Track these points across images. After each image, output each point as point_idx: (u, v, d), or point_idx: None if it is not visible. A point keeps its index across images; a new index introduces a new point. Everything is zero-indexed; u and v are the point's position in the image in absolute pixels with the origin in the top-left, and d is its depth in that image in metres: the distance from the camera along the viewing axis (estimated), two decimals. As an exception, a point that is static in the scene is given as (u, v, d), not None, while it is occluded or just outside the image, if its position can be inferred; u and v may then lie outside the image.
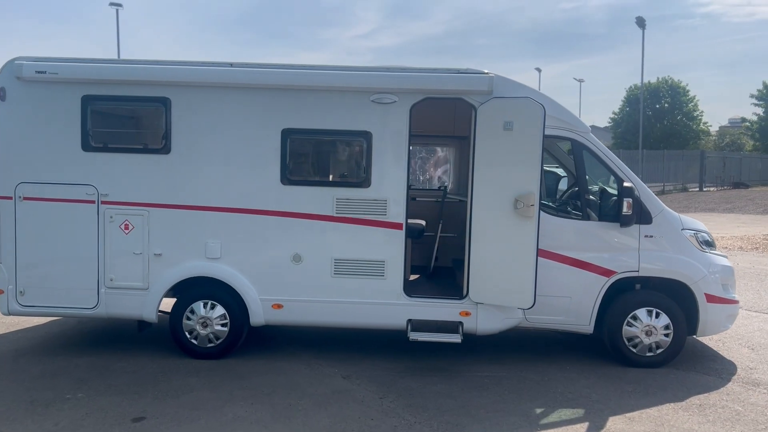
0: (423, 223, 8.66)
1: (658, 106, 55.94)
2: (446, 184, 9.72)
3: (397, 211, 6.81)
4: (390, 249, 6.86)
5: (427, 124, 8.54)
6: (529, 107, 6.46)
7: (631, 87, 56.84)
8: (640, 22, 36.92)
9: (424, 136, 9.10)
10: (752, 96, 56.99)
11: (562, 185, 8.64)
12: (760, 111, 56.57)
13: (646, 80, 48.30)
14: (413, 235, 8.05)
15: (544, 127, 6.40)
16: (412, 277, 8.26)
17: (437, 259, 8.74)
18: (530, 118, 6.43)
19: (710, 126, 63.96)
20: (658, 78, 56.53)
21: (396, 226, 6.84)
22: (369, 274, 6.88)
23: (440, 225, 8.52)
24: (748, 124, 60.06)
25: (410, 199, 8.32)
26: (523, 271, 6.55)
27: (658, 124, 54.97)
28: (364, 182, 6.80)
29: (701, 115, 57.32)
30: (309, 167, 7.10)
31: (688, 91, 56.33)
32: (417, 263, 8.92)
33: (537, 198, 6.45)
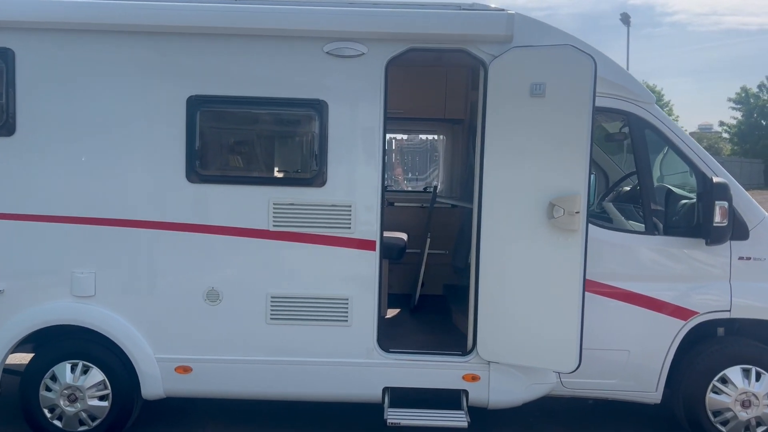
0: (404, 237, 6.31)
1: (634, 110, 54.61)
2: (435, 183, 7.35)
3: (367, 223, 4.46)
4: (357, 280, 4.50)
5: (407, 100, 6.23)
6: (571, 60, 4.16)
7: (608, 91, 55.37)
8: (625, 19, 35.34)
9: (403, 119, 6.74)
10: (730, 100, 56.16)
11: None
12: (738, 115, 55.73)
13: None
14: (391, 254, 5.71)
15: (595, 91, 4.11)
16: (390, 312, 5.91)
17: (424, 285, 6.38)
18: (574, 76, 4.13)
19: (685, 131, 63.05)
20: (633, 82, 55.24)
21: (365, 244, 4.48)
22: (324, 319, 4.50)
23: (428, 239, 6.18)
24: (726, 128, 59.24)
25: (386, 204, 6.08)
26: (562, 315, 4.24)
27: (635, 128, 53.55)
28: (316, 179, 4.43)
29: (676, 120, 56.23)
30: (230, 156, 4.67)
31: (663, 95, 55.19)
32: (396, 290, 6.59)
33: (585, 202, 4.15)
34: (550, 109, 4.18)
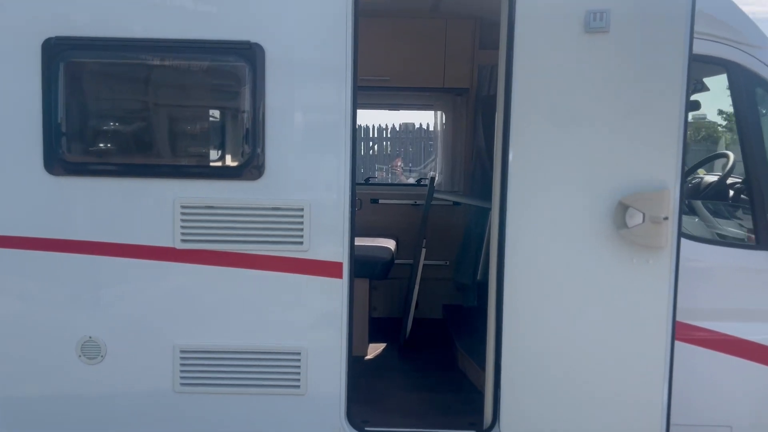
0: (391, 246, 4.73)
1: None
2: (431, 174, 5.73)
3: (329, 234, 2.88)
4: (314, 324, 2.93)
5: (394, 65, 4.68)
6: (654, -29, 2.58)
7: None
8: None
9: (389, 89, 5.13)
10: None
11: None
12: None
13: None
14: (372, 272, 4.17)
15: (693, 22, 2.54)
16: (372, 349, 4.37)
17: (418, 306, 4.79)
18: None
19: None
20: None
21: (327, 268, 2.90)
22: (264, 384, 2.92)
23: (423, 248, 4.58)
24: (724, 116, 58.06)
25: (365, 203, 4.65)
26: (638, 377, 2.69)
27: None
28: (247, 168, 2.83)
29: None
30: (114, 133, 3.03)
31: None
32: (381, 314, 5.06)
33: (678, 201, 2.58)
34: (618, 52, 2.61)
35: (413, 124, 13.64)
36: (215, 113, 2.93)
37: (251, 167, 2.82)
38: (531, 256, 2.79)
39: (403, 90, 5.17)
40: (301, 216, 2.84)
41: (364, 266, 4.07)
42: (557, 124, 2.72)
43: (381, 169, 12.55)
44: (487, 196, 4.14)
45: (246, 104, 2.81)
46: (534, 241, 2.78)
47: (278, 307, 2.89)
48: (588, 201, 2.67)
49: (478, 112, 4.83)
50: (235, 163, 2.87)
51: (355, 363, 4.01)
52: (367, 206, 5.26)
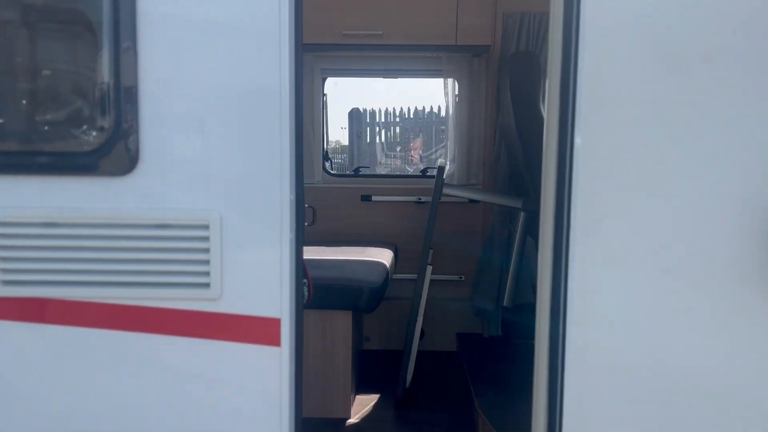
0: (385, 260, 3.50)
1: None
2: (440, 162, 4.46)
3: (258, 272, 1.65)
4: (231, 426, 1.71)
5: (389, 17, 3.49)
6: None
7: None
8: None
9: (384, 48, 3.85)
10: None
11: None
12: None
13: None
14: (355, 302, 2.99)
15: None
16: (358, 405, 3.19)
17: (423, 336, 3.54)
18: None
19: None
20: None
21: (254, 328, 1.68)
22: None
23: (429, 265, 3.33)
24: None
25: (354, 199, 3.56)
26: None
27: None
28: (108, 154, 1.62)
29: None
30: None
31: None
32: (376, 345, 3.95)
33: None
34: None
35: (423, 111, 12.46)
36: (53, 62, 1.70)
37: (115, 153, 1.61)
38: (611, 286, 1.57)
39: (402, 49, 3.90)
40: (207, 238, 1.63)
41: (343, 294, 2.92)
42: (663, 85, 1.49)
43: (395, 157, 11.16)
44: (515, 191, 2.92)
45: (105, 47, 1.59)
46: (611, 264, 1.56)
47: (167, 397, 1.68)
48: (714, 207, 1.44)
49: (503, 78, 3.55)
50: (87, 147, 1.65)
51: (333, 431, 2.85)
52: (357, 205, 4.09)
